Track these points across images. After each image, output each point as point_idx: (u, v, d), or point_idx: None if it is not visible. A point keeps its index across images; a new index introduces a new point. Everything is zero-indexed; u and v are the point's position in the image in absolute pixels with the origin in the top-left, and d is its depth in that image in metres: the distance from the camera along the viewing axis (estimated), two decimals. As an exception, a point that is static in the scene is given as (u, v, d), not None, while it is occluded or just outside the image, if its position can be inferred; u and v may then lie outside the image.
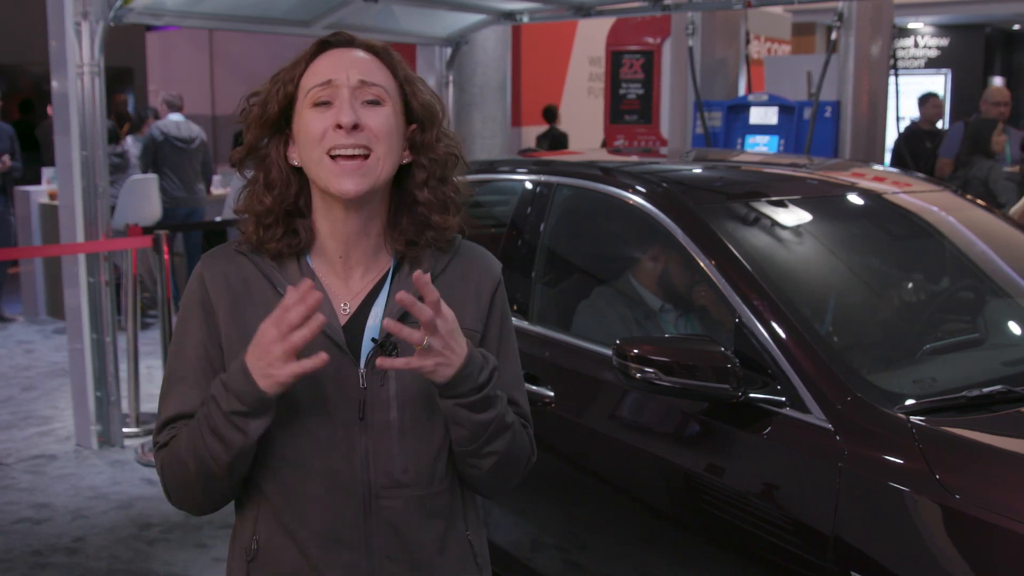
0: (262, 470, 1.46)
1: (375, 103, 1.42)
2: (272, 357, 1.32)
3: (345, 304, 1.47)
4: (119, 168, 7.77)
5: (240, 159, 1.50)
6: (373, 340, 1.44)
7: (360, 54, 1.46)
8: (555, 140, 10.30)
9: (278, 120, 1.46)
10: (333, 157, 1.40)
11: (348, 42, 1.47)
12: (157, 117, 8.52)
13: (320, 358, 1.32)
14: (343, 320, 1.46)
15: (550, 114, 10.54)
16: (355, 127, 1.39)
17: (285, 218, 1.46)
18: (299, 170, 1.46)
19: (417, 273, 1.34)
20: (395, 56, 1.48)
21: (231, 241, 1.52)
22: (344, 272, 1.48)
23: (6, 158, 7.63)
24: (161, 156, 7.66)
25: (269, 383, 1.33)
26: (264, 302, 1.44)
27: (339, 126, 1.39)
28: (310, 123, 1.41)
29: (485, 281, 1.55)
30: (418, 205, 1.47)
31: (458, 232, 1.55)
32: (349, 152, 1.40)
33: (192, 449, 1.40)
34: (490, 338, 1.54)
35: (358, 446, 1.43)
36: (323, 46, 1.46)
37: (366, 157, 1.40)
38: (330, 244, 1.48)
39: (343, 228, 1.46)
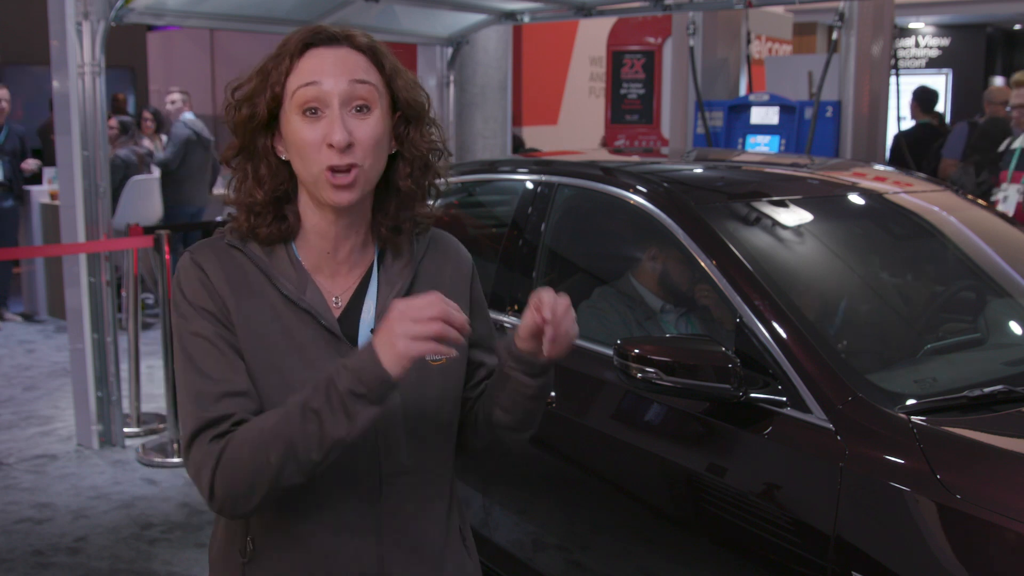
0: None
1: (364, 109, 1.43)
2: (420, 330, 1.29)
3: (336, 298, 1.50)
4: (141, 164, 7.74)
5: (230, 158, 1.52)
6: (372, 332, 1.45)
7: (346, 52, 1.46)
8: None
9: (267, 121, 1.47)
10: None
11: (333, 39, 1.46)
12: (157, 117, 8.50)
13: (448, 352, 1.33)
14: (336, 313, 1.49)
15: None
16: (348, 145, 1.40)
17: (274, 205, 1.49)
18: (287, 162, 1.48)
19: (537, 301, 1.43)
20: (381, 50, 1.49)
21: (216, 236, 1.52)
22: (332, 268, 1.51)
23: (30, 162, 7.65)
24: (189, 153, 7.62)
25: (397, 356, 1.29)
26: (262, 294, 1.46)
27: (331, 145, 1.40)
28: (301, 134, 1.42)
29: (463, 264, 1.64)
30: (401, 193, 1.51)
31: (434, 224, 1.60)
32: (343, 169, 1.41)
33: (278, 437, 1.33)
34: (474, 314, 1.61)
35: (368, 432, 1.42)
36: (308, 45, 1.45)
37: (359, 169, 1.42)
38: (318, 240, 1.50)
39: (332, 228, 1.48)
